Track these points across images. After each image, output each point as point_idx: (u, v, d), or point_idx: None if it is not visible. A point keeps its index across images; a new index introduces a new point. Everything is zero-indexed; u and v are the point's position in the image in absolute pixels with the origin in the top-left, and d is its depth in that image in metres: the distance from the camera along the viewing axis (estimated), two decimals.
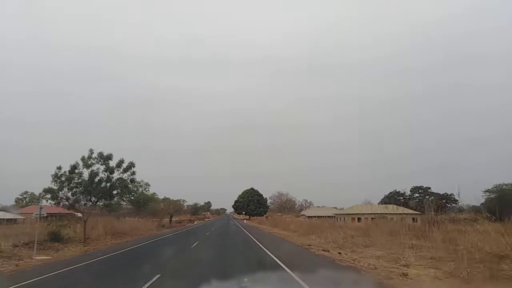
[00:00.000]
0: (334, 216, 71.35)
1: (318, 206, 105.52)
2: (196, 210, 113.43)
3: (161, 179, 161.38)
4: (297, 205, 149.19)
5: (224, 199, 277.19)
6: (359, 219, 58.22)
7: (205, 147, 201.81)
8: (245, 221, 69.59)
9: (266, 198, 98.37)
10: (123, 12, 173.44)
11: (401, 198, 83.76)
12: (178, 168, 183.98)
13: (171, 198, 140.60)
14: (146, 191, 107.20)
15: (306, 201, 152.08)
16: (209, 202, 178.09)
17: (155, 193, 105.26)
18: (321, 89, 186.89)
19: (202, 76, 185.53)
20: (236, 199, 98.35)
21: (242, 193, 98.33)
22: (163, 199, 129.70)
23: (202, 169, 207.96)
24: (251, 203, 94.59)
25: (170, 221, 46.91)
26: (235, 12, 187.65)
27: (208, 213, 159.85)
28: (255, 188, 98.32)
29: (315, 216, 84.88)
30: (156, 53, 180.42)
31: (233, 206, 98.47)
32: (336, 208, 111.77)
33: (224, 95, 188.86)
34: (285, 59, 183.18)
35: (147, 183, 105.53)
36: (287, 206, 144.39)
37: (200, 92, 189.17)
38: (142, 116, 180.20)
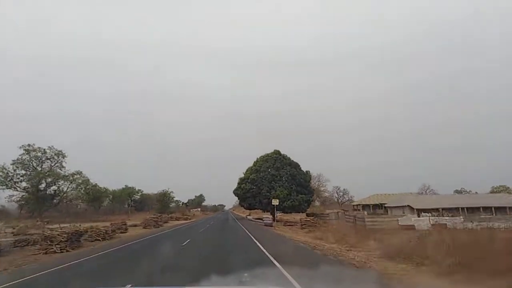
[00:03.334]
0: None
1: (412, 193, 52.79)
2: (164, 204, 60.75)
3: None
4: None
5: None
6: None
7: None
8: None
9: (308, 172, 45.00)
10: None
11: None
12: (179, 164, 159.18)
13: (147, 192, 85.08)
14: (58, 167, 52.23)
15: (338, 188, 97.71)
16: (201, 195, 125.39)
17: (79, 171, 53.13)
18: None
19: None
20: (243, 176, 45.28)
21: (255, 163, 45.25)
22: (124, 189, 76.01)
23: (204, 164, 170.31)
24: (277, 181, 41.68)
25: None
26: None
27: (198, 209, 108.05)
28: (283, 153, 45.27)
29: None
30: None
31: (235, 193, 45.23)
32: (410, 193, 59.53)
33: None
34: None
35: (59, 151, 54.20)
36: (320, 195, 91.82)
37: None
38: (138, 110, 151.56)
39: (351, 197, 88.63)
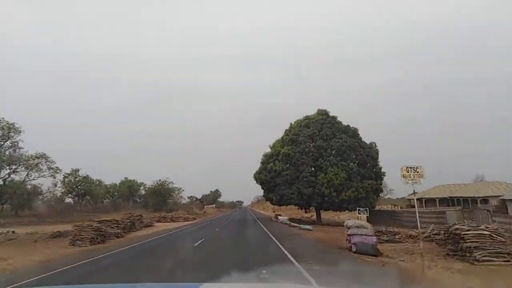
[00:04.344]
0: None
1: None
2: (162, 199, 44.70)
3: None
4: None
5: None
6: None
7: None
8: None
9: (373, 144, 28.58)
10: None
11: None
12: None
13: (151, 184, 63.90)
14: (11, 147, 42.42)
15: None
16: (216, 190, 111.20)
17: (42, 154, 39.89)
18: None
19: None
20: (269, 151, 28.96)
21: (288, 131, 28.97)
22: (123, 182, 62.23)
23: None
24: (326, 158, 25.57)
25: None
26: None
27: (213, 206, 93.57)
28: (331, 114, 29.01)
29: None
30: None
31: (257, 177, 28.96)
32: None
33: None
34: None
35: (11, 125, 40.15)
36: None
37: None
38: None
39: (390, 190, 71.34)
